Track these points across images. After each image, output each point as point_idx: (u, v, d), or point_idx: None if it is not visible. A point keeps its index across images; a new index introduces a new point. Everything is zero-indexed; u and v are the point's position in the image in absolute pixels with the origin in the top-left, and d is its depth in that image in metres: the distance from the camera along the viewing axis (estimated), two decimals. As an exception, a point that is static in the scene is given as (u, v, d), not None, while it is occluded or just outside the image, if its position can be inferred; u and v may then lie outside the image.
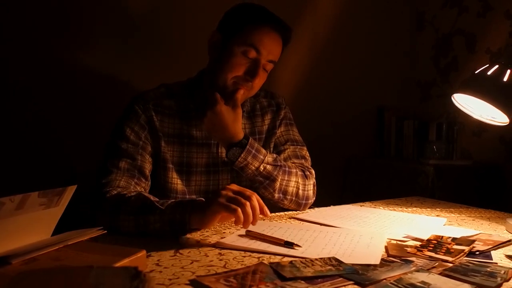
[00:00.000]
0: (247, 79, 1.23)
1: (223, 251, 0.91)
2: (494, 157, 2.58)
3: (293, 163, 1.34)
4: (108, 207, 1.06)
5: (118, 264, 0.72)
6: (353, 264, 0.82)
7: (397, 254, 0.90)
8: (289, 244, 0.92)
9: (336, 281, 0.75)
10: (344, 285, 0.74)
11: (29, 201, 0.74)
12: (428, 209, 1.43)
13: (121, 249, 0.79)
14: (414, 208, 1.43)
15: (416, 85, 3.05)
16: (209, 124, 1.21)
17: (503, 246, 1.00)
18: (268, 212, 1.00)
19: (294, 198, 1.29)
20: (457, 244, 0.97)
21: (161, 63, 2.09)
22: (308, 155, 1.41)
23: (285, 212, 1.31)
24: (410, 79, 3.06)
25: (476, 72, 1.23)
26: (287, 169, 1.27)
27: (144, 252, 0.79)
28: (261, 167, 1.22)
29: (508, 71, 1.18)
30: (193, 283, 0.73)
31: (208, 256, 0.88)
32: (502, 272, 0.81)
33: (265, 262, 0.84)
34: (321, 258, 0.84)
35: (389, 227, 1.14)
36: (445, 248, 0.94)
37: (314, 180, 1.35)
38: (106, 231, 0.86)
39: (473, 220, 1.28)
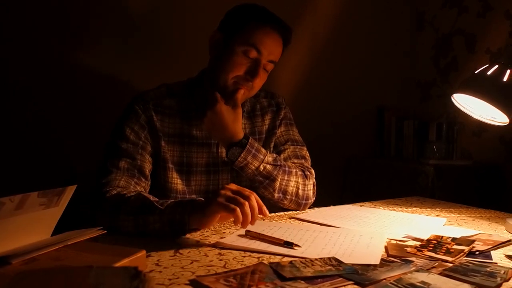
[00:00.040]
0: (247, 78, 1.23)
1: (223, 251, 0.91)
2: (494, 157, 2.58)
3: (293, 163, 1.34)
4: (108, 207, 1.06)
5: (118, 264, 0.72)
6: (353, 264, 0.82)
7: (397, 254, 0.90)
8: (289, 244, 0.92)
9: (336, 281, 0.75)
10: (344, 285, 0.74)
11: (29, 201, 0.74)
12: (428, 209, 1.43)
13: (121, 249, 0.79)
14: (414, 208, 1.43)
15: (416, 85, 3.05)
16: (209, 123, 1.21)
17: (503, 246, 1.00)
18: (267, 212, 1.00)
19: (294, 198, 1.29)
20: (457, 244, 0.97)
21: (161, 63, 2.09)
22: (308, 155, 1.42)
23: (285, 212, 1.31)
24: (410, 79, 3.06)
25: (476, 72, 1.23)
26: (287, 169, 1.27)
27: (144, 252, 0.79)
28: (261, 167, 1.22)
29: (508, 71, 1.18)
30: (193, 283, 0.73)
31: (208, 256, 0.88)
32: (502, 272, 0.81)
33: (265, 262, 0.84)
34: (321, 258, 0.84)
35: (389, 227, 1.14)
36: (445, 248, 0.94)
37: (314, 180, 1.35)
38: (106, 231, 0.86)
39: (473, 220, 1.28)
